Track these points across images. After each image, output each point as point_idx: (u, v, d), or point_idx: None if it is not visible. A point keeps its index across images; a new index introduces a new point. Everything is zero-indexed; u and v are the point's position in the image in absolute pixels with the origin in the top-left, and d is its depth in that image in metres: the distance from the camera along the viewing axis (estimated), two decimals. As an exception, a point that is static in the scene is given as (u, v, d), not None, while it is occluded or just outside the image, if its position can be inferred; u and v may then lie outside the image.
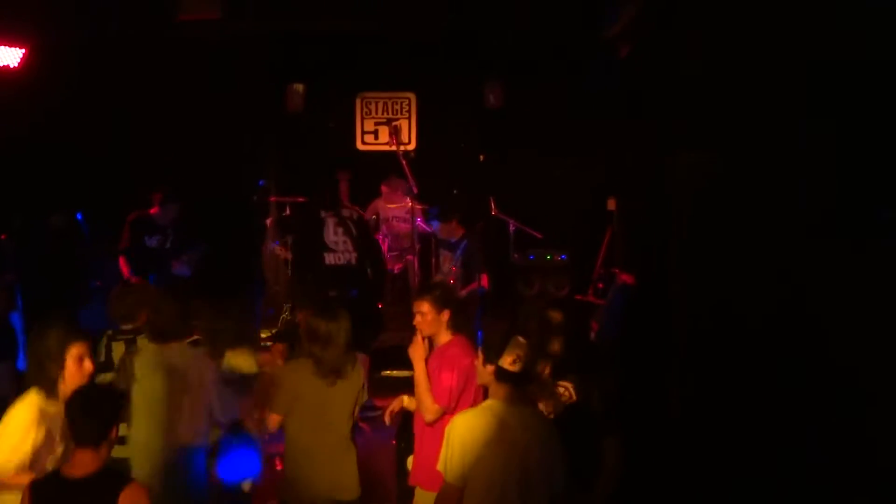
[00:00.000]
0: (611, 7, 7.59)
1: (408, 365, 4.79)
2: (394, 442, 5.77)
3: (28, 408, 3.92)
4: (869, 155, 4.44)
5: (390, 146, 9.81)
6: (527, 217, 9.36)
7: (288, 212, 9.50)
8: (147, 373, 4.55)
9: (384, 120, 10.40)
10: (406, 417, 5.10)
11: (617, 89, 7.96)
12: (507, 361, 3.79)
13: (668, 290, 5.76)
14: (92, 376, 4.06)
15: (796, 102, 4.71)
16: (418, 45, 8.98)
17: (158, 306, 4.73)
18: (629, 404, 4.72)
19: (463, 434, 3.75)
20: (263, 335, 8.38)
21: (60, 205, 8.13)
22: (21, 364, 6.80)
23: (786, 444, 4.62)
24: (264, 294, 9.66)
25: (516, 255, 9.42)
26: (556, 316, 4.58)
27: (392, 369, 7.84)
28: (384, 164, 9.79)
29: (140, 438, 4.48)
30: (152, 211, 7.67)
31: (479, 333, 6.00)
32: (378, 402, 6.40)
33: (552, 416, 4.27)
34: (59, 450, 3.91)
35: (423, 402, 4.63)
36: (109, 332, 5.15)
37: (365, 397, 4.91)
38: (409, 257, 9.27)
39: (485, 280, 8.65)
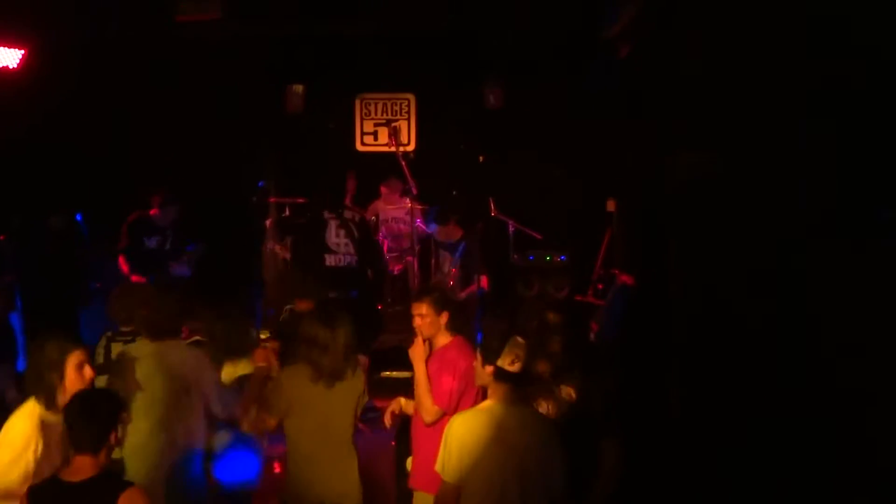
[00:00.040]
0: (611, 7, 7.57)
1: (407, 366, 4.79)
2: (393, 443, 5.76)
3: (28, 418, 3.90)
4: (869, 155, 4.42)
5: (390, 147, 9.79)
6: (526, 218, 9.35)
7: (287, 213, 9.51)
8: (145, 374, 4.54)
9: (384, 121, 10.37)
10: (405, 419, 5.09)
11: (617, 89, 7.94)
12: (506, 362, 3.78)
13: (667, 291, 5.75)
14: (92, 382, 4.04)
15: (796, 102, 4.70)
16: (418, 45, 8.96)
17: (155, 303, 4.73)
18: (629, 404, 4.72)
19: (461, 434, 3.74)
20: (263, 335, 8.36)
21: (60, 205, 8.14)
22: (21, 365, 6.79)
23: (786, 444, 4.61)
24: (264, 295, 9.65)
25: (516, 256, 9.41)
26: (554, 317, 4.58)
27: (392, 370, 7.81)
28: (384, 165, 9.77)
29: (138, 439, 4.45)
30: (152, 212, 7.68)
31: (479, 334, 5.99)
32: (378, 403, 6.38)
33: (554, 418, 4.27)
34: (59, 460, 3.88)
35: (423, 403, 4.63)
36: (109, 332, 5.15)
37: (366, 401, 4.87)
38: (409, 258, 9.26)
39: (484, 281, 8.65)
